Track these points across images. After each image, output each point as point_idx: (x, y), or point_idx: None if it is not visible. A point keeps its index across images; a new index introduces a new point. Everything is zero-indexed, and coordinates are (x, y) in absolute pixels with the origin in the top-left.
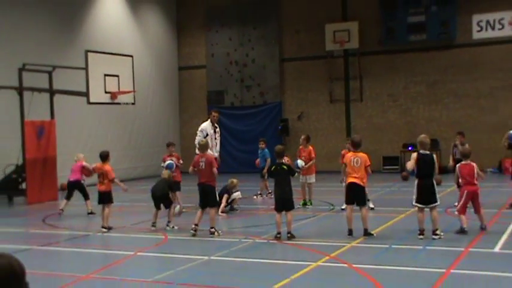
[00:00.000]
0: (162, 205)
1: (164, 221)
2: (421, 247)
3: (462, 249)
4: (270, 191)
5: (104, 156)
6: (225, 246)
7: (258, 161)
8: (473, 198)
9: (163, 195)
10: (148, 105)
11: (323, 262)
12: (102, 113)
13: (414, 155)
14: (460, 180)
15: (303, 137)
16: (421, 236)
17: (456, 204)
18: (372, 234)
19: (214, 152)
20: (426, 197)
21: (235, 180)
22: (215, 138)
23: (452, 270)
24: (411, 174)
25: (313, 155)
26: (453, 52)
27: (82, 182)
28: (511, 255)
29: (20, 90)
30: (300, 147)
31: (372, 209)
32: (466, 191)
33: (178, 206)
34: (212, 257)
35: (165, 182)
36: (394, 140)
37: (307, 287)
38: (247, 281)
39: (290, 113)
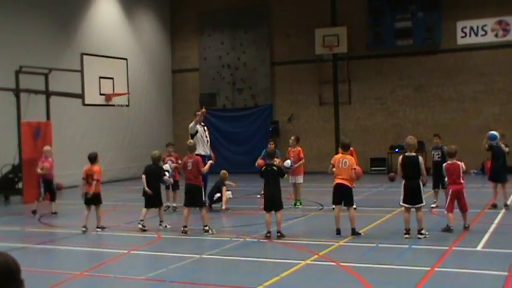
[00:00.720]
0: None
1: (155, 220)
2: (407, 246)
3: (446, 247)
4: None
5: (93, 158)
6: (216, 244)
7: (261, 161)
8: (458, 197)
9: (156, 185)
10: (142, 107)
11: (312, 261)
12: (97, 114)
13: (400, 158)
14: (446, 180)
15: (292, 138)
16: (407, 235)
17: (433, 205)
18: (360, 234)
19: (207, 149)
20: (412, 197)
21: (226, 171)
22: (206, 136)
23: (436, 268)
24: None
25: (301, 156)
26: (438, 57)
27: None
28: (493, 253)
29: (17, 92)
30: (289, 148)
31: (355, 208)
32: (451, 190)
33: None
34: (204, 255)
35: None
36: (382, 142)
37: (296, 285)
38: (237, 278)
39: (280, 115)
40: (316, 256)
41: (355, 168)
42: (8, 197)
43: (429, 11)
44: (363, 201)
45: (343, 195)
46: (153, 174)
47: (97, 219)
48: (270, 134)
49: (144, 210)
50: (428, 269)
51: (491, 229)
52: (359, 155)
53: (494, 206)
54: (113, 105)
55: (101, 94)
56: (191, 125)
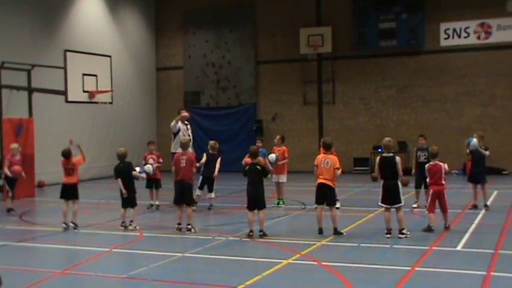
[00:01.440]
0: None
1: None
2: (388, 246)
3: (427, 247)
4: None
5: (67, 155)
6: (198, 243)
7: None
8: (439, 197)
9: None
10: (126, 105)
11: (294, 260)
12: (80, 111)
13: (377, 159)
14: (427, 180)
15: (278, 137)
16: (389, 235)
17: (414, 205)
18: (342, 233)
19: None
20: (390, 197)
21: (215, 141)
22: (188, 135)
23: (417, 268)
24: None
25: (286, 155)
26: (422, 58)
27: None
28: (472, 253)
29: None
30: (274, 147)
31: (337, 208)
32: (432, 191)
33: None
34: (186, 254)
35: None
36: (365, 141)
37: (278, 284)
38: (220, 277)
39: (264, 114)
40: (298, 255)
41: (338, 168)
42: None
43: (413, 12)
44: (345, 200)
45: (325, 195)
46: (123, 173)
47: (73, 214)
48: (254, 133)
49: (122, 210)
50: (409, 268)
51: (471, 229)
52: (342, 154)
53: (475, 207)
54: (96, 103)
55: (84, 91)
56: (172, 123)
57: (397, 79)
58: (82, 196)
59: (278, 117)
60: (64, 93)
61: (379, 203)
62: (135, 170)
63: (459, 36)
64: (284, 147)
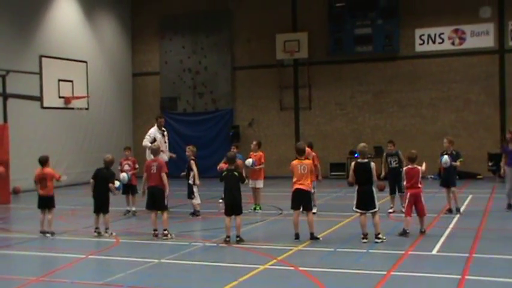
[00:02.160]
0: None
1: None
2: (364, 250)
3: (403, 252)
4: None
5: (44, 161)
6: (175, 249)
7: (223, 165)
8: (416, 200)
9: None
10: (102, 111)
11: (270, 265)
12: (56, 117)
13: (352, 164)
14: (404, 183)
15: (254, 142)
16: (365, 240)
17: (390, 210)
18: (318, 238)
19: (165, 156)
20: (365, 203)
21: (192, 146)
22: (164, 142)
23: (393, 272)
24: None
25: (262, 160)
26: (397, 64)
27: None
28: (447, 257)
29: None
30: (251, 153)
31: (314, 213)
32: (409, 194)
33: None
34: (162, 260)
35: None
36: (341, 147)
37: None
38: (196, 283)
39: (241, 120)
40: (274, 260)
41: (316, 165)
42: None
43: (388, 18)
44: (322, 205)
45: (302, 200)
46: (103, 178)
47: (47, 223)
48: (231, 138)
49: (95, 216)
50: (385, 273)
51: (446, 233)
52: (319, 160)
53: (450, 211)
54: (72, 108)
55: (60, 97)
56: (144, 143)
57: (373, 84)
58: (58, 202)
59: (255, 123)
60: (39, 99)
61: (354, 208)
62: (114, 183)
63: (434, 42)
64: (260, 153)
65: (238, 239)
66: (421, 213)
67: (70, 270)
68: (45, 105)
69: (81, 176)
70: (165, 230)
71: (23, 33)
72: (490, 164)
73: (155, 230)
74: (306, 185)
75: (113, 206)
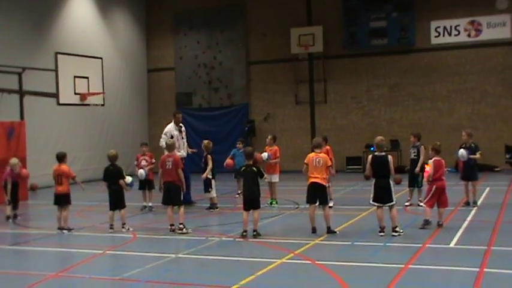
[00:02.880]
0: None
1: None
2: (381, 244)
3: (420, 245)
4: (239, 192)
5: (61, 157)
6: (192, 244)
7: (230, 161)
8: (441, 192)
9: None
10: (118, 107)
11: (288, 259)
12: (72, 114)
13: (369, 157)
14: (428, 176)
15: (269, 137)
16: (382, 233)
17: (407, 203)
18: (335, 232)
19: (182, 152)
20: (382, 196)
21: (209, 141)
22: (182, 138)
23: (410, 265)
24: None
25: (278, 155)
26: (412, 56)
27: None
28: (465, 250)
29: None
30: (266, 147)
31: (330, 207)
32: (435, 186)
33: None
34: (179, 255)
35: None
36: (357, 140)
37: (272, 283)
38: (213, 278)
39: (256, 115)
40: (291, 254)
41: (331, 165)
42: None
43: (403, 11)
44: (338, 199)
45: (317, 194)
46: (112, 176)
47: (63, 220)
48: (246, 133)
49: (110, 213)
50: (402, 266)
51: (464, 226)
52: (335, 153)
53: (467, 204)
54: (88, 105)
55: (75, 93)
56: (160, 143)
57: (388, 78)
58: (75, 199)
59: (270, 117)
60: (55, 95)
61: (371, 202)
62: (124, 178)
63: (450, 34)
64: (276, 147)
65: (255, 233)
66: (444, 205)
67: (88, 266)
68: (61, 101)
69: (97, 172)
70: (180, 224)
71: (39, 30)
72: (507, 156)
73: (172, 225)
74: (321, 178)
75: (130, 202)
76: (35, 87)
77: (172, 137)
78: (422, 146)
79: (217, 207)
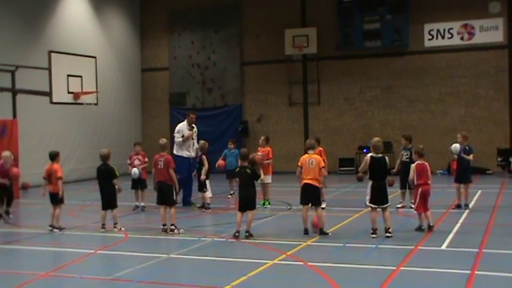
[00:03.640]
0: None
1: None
2: (373, 245)
3: (412, 247)
4: (232, 192)
5: (53, 156)
6: (184, 244)
7: (221, 162)
8: (426, 197)
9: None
10: (111, 106)
11: (279, 260)
12: (65, 113)
13: (367, 158)
14: (414, 179)
15: (262, 137)
16: (374, 235)
17: (399, 205)
18: (327, 233)
19: (191, 152)
20: (379, 198)
21: (205, 142)
22: (192, 139)
23: (402, 267)
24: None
25: (271, 156)
26: (406, 59)
27: None
28: (457, 252)
29: None
30: (259, 148)
31: (323, 208)
32: (421, 190)
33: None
34: (171, 255)
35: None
36: (350, 142)
37: (264, 284)
38: (205, 278)
39: (250, 115)
40: (284, 256)
41: (324, 167)
42: None
43: (397, 13)
44: (331, 201)
45: (310, 195)
46: (104, 175)
47: (55, 219)
48: (240, 133)
49: (103, 212)
50: (394, 268)
51: (455, 229)
52: (328, 155)
53: (459, 206)
54: (81, 104)
55: (69, 92)
56: (176, 139)
57: (381, 80)
58: (67, 198)
59: (263, 118)
60: (49, 94)
61: (367, 203)
62: (116, 177)
63: (443, 37)
64: (269, 148)
65: (247, 234)
66: (426, 209)
67: (79, 265)
68: (54, 100)
69: (90, 172)
70: (172, 225)
71: (32, 28)
72: (499, 159)
73: (164, 225)
74: (314, 179)
75: (122, 201)
76: (28, 85)
77: (183, 136)
78: (414, 149)
79: (209, 208)
